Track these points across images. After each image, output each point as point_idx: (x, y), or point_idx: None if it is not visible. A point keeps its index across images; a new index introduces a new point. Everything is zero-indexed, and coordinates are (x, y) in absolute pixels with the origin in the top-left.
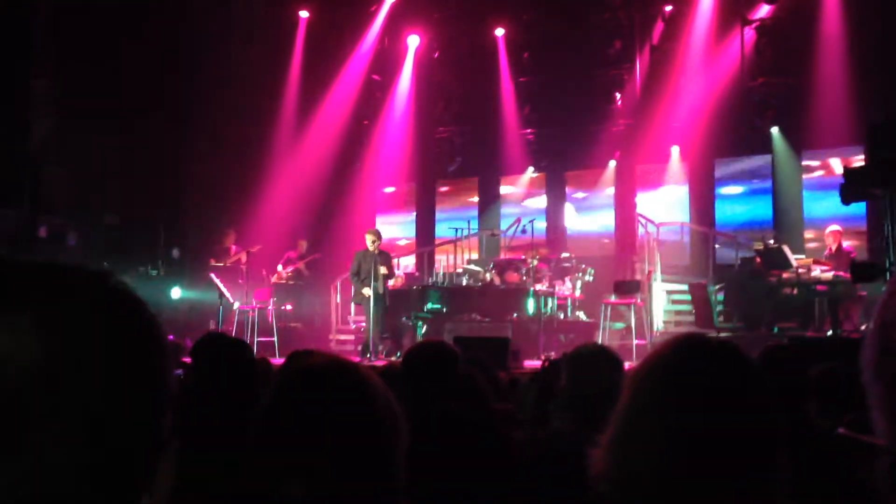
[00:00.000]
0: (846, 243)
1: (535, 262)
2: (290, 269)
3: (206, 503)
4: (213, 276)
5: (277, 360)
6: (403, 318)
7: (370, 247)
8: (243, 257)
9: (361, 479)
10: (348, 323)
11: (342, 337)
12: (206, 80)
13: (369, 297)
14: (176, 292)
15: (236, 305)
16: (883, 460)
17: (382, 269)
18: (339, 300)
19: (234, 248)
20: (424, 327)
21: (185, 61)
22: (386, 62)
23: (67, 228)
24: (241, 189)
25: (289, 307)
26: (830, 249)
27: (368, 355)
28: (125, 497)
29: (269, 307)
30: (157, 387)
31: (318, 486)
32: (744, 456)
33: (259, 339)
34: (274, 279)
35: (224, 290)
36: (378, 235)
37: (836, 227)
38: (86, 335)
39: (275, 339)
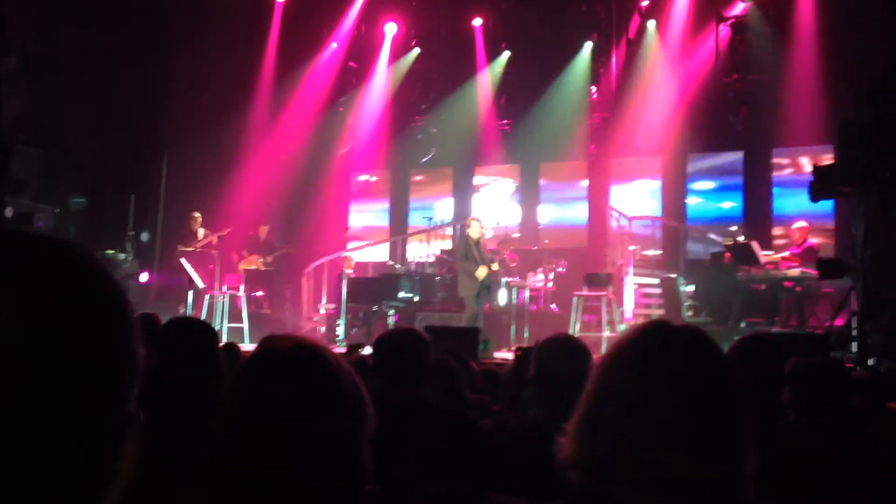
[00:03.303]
0: (813, 240)
1: (505, 254)
2: (256, 257)
3: (172, 480)
4: (182, 260)
5: (247, 346)
6: (374, 307)
7: (475, 234)
8: (214, 240)
9: (325, 462)
10: (318, 310)
11: (313, 324)
12: (180, 64)
13: (478, 287)
14: (144, 276)
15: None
16: None
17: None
18: (310, 287)
19: (201, 231)
20: (395, 316)
21: (159, 45)
22: (362, 49)
23: (35, 210)
24: (212, 173)
25: (259, 293)
26: (797, 246)
27: (487, 348)
28: (93, 469)
29: (240, 293)
30: (124, 357)
31: (282, 469)
32: (709, 437)
33: (229, 324)
34: (243, 265)
35: (194, 274)
36: (481, 222)
37: (802, 223)
38: (51, 304)
39: (244, 325)
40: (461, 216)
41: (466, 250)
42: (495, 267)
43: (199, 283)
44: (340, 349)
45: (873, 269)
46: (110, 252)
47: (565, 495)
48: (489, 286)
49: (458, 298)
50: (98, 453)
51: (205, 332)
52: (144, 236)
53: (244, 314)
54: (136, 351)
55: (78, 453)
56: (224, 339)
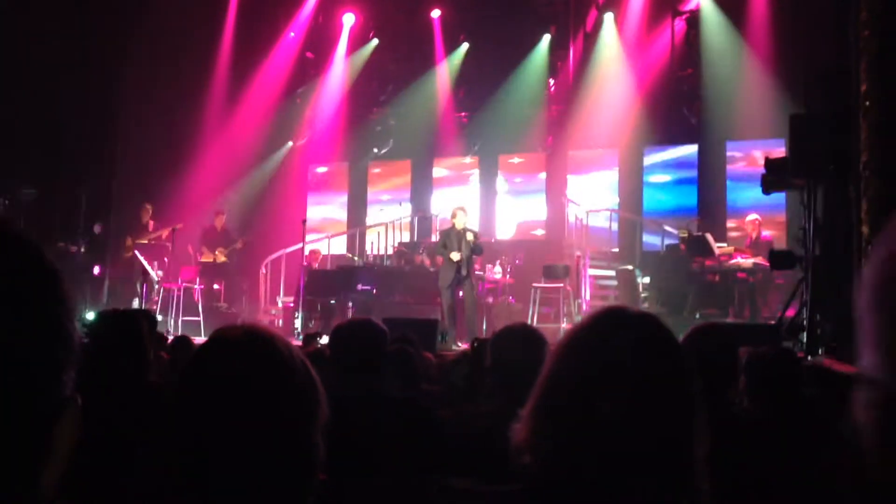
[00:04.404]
0: (765, 232)
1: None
2: (220, 250)
3: (110, 468)
4: (136, 252)
5: (201, 340)
6: (332, 299)
7: (458, 224)
8: (165, 233)
9: (277, 453)
10: (276, 303)
11: (270, 317)
12: (134, 52)
13: (452, 277)
14: (97, 269)
15: (159, 283)
16: (864, 393)
17: (470, 235)
18: (267, 280)
19: (151, 223)
20: (353, 308)
21: (113, 32)
22: (320, 40)
23: None
24: (167, 164)
25: (216, 286)
26: (750, 238)
27: (445, 339)
28: (28, 451)
29: (196, 286)
30: (59, 338)
31: (232, 460)
32: (662, 421)
33: (184, 318)
34: (203, 259)
35: (148, 267)
36: (466, 212)
37: (755, 216)
38: None
39: (200, 318)
40: (419, 208)
41: (445, 239)
42: (460, 272)
43: (154, 276)
44: (298, 342)
45: (823, 260)
46: (62, 244)
47: (520, 480)
48: (468, 275)
49: (416, 290)
50: (32, 435)
51: (131, 320)
52: (97, 228)
53: (199, 307)
54: (72, 333)
55: (11, 435)
56: (179, 333)
